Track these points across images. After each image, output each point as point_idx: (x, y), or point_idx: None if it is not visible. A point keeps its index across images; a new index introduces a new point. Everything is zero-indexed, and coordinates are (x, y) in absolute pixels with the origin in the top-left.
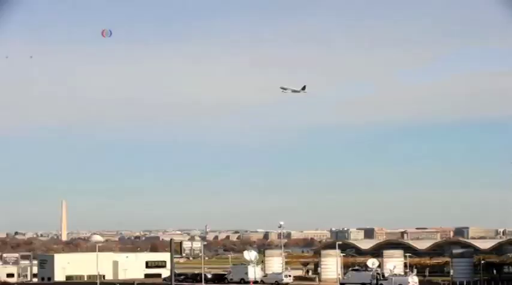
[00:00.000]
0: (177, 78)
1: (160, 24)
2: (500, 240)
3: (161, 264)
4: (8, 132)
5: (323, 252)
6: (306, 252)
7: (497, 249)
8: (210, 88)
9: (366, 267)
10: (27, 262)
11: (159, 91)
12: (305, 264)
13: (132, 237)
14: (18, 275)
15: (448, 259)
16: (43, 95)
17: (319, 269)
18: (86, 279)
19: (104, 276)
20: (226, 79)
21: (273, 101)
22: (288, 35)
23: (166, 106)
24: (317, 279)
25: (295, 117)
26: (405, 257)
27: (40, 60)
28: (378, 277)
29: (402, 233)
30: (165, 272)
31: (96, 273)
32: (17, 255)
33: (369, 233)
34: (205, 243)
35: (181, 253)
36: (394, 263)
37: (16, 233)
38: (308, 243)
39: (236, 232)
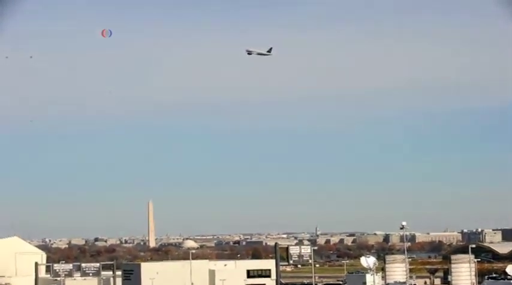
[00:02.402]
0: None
1: None
2: None
3: (265, 273)
4: (87, 128)
5: (453, 257)
6: (434, 258)
7: None
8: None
9: (504, 274)
10: (109, 273)
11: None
12: (432, 271)
13: (231, 243)
14: None
15: None
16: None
17: (449, 277)
18: None
19: None
20: None
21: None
22: None
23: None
24: None
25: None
26: None
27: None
28: None
29: None
30: (270, 283)
31: None
32: (97, 265)
33: (507, 235)
34: (315, 248)
35: (288, 260)
36: None
37: (96, 239)
38: (435, 247)
39: (351, 235)
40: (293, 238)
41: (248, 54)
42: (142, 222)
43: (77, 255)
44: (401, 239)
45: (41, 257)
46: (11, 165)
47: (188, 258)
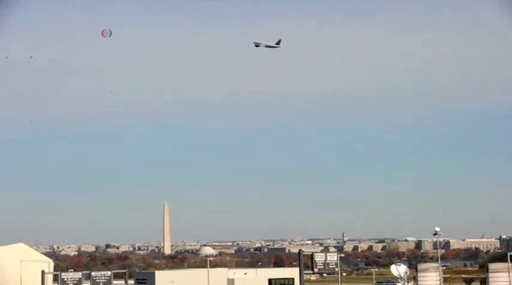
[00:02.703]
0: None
1: None
2: None
3: (288, 282)
4: (98, 128)
5: (491, 265)
6: (470, 266)
7: None
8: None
9: None
10: (121, 282)
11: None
12: (468, 281)
13: (251, 249)
14: None
15: None
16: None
17: None
18: None
19: None
20: None
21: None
22: None
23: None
24: None
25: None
26: None
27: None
28: None
29: None
30: None
31: None
32: (109, 273)
33: None
34: (342, 255)
35: (312, 268)
36: None
37: (107, 245)
38: (472, 254)
39: (380, 241)
40: (318, 245)
41: (256, 46)
42: (157, 227)
43: (86, 263)
44: (435, 245)
45: (48, 265)
46: (15, 167)
47: (206, 266)
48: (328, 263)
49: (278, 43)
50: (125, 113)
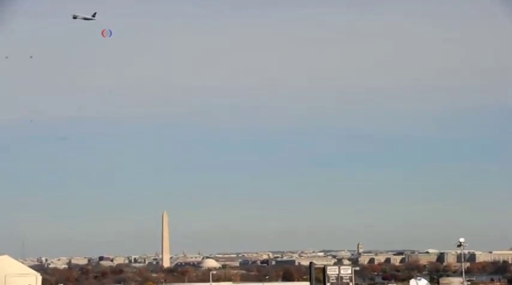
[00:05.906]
0: None
1: None
2: None
3: None
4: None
5: None
6: (497, 281)
7: None
8: None
9: None
10: None
11: None
12: None
13: (258, 262)
14: None
15: None
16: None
17: None
18: None
19: None
20: None
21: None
22: None
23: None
24: None
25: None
26: None
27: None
28: None
29: None
30: None
31: None
32: None
33: None
34: (357, 268)
35: (324, 282)
36: None
37: (101, 258)
38: (499, 267)
39: (399, 253)
40: (331, 257)
41: (74, 18)
42: (155, 238)
43: (78, 277)
44: (459, 258)
45: (36, 279)
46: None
47: (208, 280)
48: (341, 277)
49: (94, 15)
50: (119, 116)
